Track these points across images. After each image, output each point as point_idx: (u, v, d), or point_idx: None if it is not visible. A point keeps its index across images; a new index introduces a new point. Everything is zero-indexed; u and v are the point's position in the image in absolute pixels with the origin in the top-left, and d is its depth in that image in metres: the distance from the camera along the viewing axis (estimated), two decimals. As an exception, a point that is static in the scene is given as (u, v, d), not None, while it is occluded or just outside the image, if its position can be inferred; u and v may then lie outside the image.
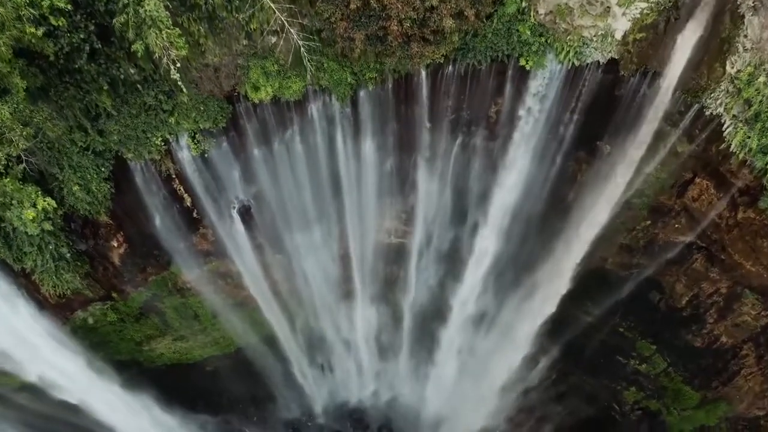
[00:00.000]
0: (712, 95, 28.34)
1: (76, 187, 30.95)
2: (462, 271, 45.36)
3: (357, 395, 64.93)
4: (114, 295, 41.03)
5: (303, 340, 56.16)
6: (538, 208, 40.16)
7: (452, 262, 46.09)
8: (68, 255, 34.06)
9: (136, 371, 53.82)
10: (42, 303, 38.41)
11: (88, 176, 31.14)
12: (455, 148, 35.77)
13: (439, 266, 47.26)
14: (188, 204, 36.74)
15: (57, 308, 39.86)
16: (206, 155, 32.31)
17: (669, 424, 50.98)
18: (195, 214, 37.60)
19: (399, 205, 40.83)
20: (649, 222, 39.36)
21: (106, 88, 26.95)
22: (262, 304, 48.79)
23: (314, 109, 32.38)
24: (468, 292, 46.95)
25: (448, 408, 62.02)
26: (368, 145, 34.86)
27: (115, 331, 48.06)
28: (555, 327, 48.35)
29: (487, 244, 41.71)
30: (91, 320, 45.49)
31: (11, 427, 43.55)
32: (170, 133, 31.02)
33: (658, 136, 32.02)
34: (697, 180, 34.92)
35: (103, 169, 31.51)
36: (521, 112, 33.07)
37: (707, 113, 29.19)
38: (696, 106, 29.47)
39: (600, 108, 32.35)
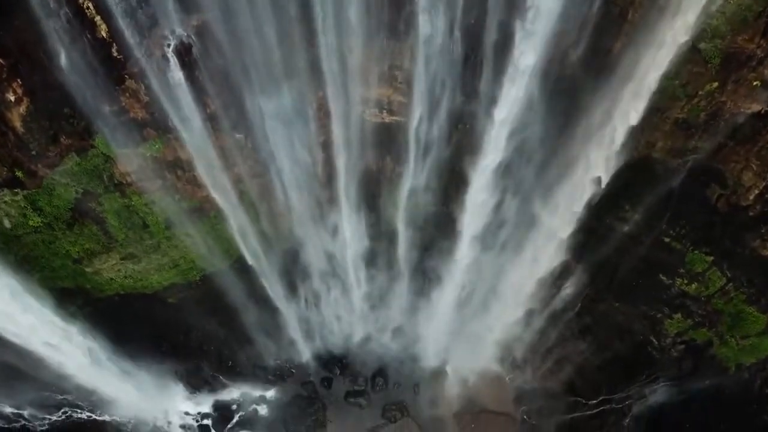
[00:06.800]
0: None
1: None
2: (475, 156, 36.29)
3: (346, 335, 56.90)
4: (19, 174, 31.61)
5: (279, 260, 47.25)
6: (573, 63, 31.27)
7: (461, 148, 36.71)
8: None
9: (83, 302, 45.31)
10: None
11: (-61, -40, 21.54)
12: (468, -44, 26.16)
13: (444, 158, 37.83)
14: (104, 35, 26.91)
15: (-50, 196, 30.67)
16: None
17: (721, 357, 42.33)
18: (115, 53, 27.77)
19: (392, 55, 31.22)
20: (716, 84, 31.23)
21: None
22: (224, 208, 39.88)
23: None
24: (481, 189, 37.75)
25: (451, 346, 53.41)
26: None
27: (44, 242, 39.85)
28: (583, 240, 39.92)
29: (506, 116, 32.28)
30: (7, 222, 36.82)
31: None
32: None
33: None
34: (797, 0, 26.65)
35: (-37, -46, 21.86)
36: None
37: None
38: None
39: None
